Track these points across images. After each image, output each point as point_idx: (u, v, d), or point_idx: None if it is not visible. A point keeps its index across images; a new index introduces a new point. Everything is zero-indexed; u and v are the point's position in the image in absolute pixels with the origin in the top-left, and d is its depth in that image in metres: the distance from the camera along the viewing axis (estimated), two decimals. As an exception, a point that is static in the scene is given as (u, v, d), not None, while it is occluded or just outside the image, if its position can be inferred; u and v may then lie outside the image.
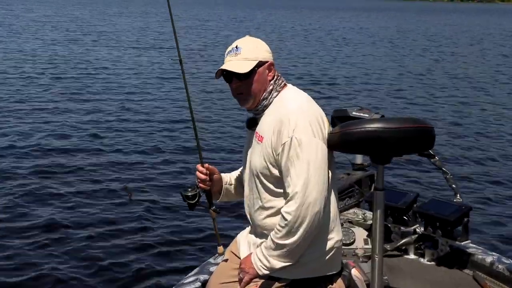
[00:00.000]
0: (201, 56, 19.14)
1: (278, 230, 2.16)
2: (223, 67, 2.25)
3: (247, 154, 2.38)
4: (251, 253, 2.30)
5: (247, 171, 2.36)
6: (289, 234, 2.13)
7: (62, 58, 16.89)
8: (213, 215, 2.52)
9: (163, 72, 15.14)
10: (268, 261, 2.20)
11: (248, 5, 79.78)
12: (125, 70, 15.38)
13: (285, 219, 2.13)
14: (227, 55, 2.30)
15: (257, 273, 2.23)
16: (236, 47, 2.27)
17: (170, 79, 14.02)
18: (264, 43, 2.33)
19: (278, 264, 2.19)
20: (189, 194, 2.43)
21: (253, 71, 2.24)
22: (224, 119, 10.26)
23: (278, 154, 2.16)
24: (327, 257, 2.26)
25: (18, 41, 20.89)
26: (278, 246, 2.16)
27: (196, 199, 2.44)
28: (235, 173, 2.60)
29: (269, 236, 2.21)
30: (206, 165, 2.47)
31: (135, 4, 59.42)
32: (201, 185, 2.47)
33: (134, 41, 22.64)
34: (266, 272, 2.22)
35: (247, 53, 2.25)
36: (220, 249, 2.53)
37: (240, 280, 2.28)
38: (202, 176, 2.46)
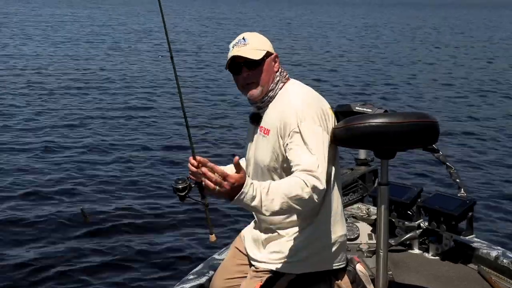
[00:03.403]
0: (192, 50, 19.17)
1: (306, 184, 1.97)
2: (236, 53, 2.23)
3: (250, 149, 2.37)
4: (247, 177, 1.99)
5: (251, 166, 2.36)
6: (308, 195, 1.97)
7: (48, 57, 16.62)
8: (204, 207, 2.51)
9: (154, 68, 14.96)
10: (260, 200, 1.95)
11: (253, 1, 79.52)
12: (113, 66, 15.18)
13: (306, 182, 1.98)
14: (233, 46, 2.27)
15: (233, 196, 1.94)
16: (243, 38, 2.28)
17: (162, 75, 13.87)
18: (266, 38, 2.34)
19: (269, 205, 1.96)
20: (180, 186, 2.43)
21: (263, 60, 2.25)
22: (216, 113, 10.31)
23: (286, 144, 2.16)
24: (331, 251, 2.26)
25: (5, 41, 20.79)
26: (290, 194, 1.96)
27: (186, 191, 2.44)
28: (229, 167, 2.58)
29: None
30: (198, 157, 2.46)
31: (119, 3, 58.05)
32: (192, 177, 2.48)
33: (124, 38, 22.33)
34: (241, 199, 1.94)
35: (255, 43, 2.26)
36: (212, 237, 2.51)
37: (214, 181, 1.95)
38: (193, 169, 2.44)
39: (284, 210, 1.99)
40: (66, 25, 27.89)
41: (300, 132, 2.11)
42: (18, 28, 25.29)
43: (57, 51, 18.10)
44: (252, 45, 2.25)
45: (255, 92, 2.26)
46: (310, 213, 2.18)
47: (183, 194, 2.42)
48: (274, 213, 2.00)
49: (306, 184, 1.98)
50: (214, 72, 14.93)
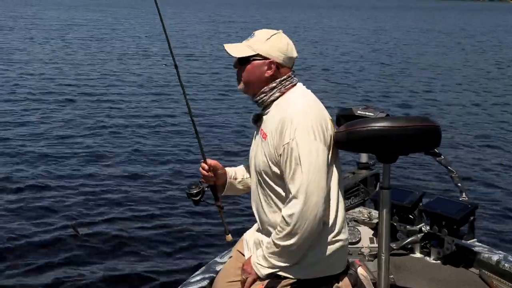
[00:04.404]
0: (199, 54, 19.17)
1: (278, 231, 2.17)
2: (225, 44, 2.32)
3: (252, 150, 2.39)
4: (249, 259, 2.31)
5: (252, 167, 2.37)
6: (288, 236, 2.14)
7: (53, 62, 16.35)
8: (219, 209, 2.54)
9: (159, 75, 14.66)
10: (268, 261, 2.21)
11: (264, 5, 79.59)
12: (119, 72, 14.90)
13: (286, 222, 2.13)
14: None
15: (257, 273, 2.24)
16: (253, 34, 2.32)
17: (167, 83, 13.60)
18: (283, 43, 2.26)
19: (278, 263, 2.20)
20: (194, 191, 2.47)
21: (247, 60, 2.25)
22: (224, 115, 10.30)
23: (280, 155, 2.17)
24: (334, 257, 2.26)
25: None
26: (278, 247, 2.17)
27: (200, 196, 2.47)
28: (240, 168, 2.60)
29: (270, 238, 2.22)
30: (209, 161, 2.48)
31: (122, 6, 56.92)
32: (204, 181, 2.50)
33: (132, 42, 21.99)
34: (266, 272, 2.22)
35: (254, 42, 2.27)
36: (228, 237, 2.55)
37: (243, 282, 2.29)
38: (205, 173, 2.47)
39: (299, 247, 2.17)
40: (72, 29, 27.84)
41: (292, 147, 2.12)
42: (24, 32, 25.26)
43: (62, 55, 18.00)
44: (250, 42, 2.27)
45: (239, 86, 2.32)
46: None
47: (197, 198, 2.46)
48: (296, 250, 2.19)
49: (279, 230, 2.16)
50: (222, 74, 14.91)
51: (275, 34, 2.29)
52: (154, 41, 23.07)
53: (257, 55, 2.24)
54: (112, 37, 24.81)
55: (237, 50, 2.27)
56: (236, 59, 2.29)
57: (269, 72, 2.26)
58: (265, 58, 2.25)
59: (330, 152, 2.21)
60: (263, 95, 2.27)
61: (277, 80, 2.27)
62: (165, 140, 8.60)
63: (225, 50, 2.31)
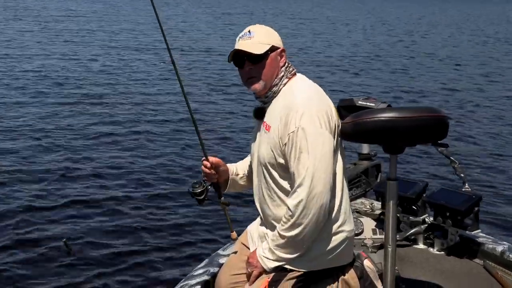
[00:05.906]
0: (197, 48, 19.11)
1: (284, 222, 2.14)
2: (238, 47, 2.22)
3: (254, 144, 2.36)
4: (254, 251, 2.29)
5: (255, 161, 2.35)
6: (294, 226, 2.11)
7: (51, 59, 15.87)
8: (223, 206, 2.52)
9: (158, 72, 14.40)
10: (274, 253, 2.18)
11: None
12: (115, 71, 14.45)
13: (291, 211, 2.11)
14: (239, 39, 2.26)
15: (263, 267, 2.21)
16: (249, 31, 2.25)
17: (166, 79, 13.45)
18: (275, 31, 2.31)
19: (284, 255, 2.17)
20: (197, 190, 2.44)
21: (266, 54, 2.22)
22: (225, 112, 10.26)
23: (285, 144, 2.14)
24: (339, 249, 2.24)
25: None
26: (283, 238, 2.14)
27: (204, 195, 2.44)
28: (241, 164, 2.59)
29: (275, 230, 2.20)
30: (211, 158, 2.46)
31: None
32: (206, 179, 2.48)
33: (125, 42, 21.26)
34: (272, 265, 2.20)
35: (260, 37, 2.23)
36: (233, 235, 2.53)
37: (248, 275, 2.27)
38: (207, 171, 2.45)
39: (304, 237, 2.14)
40: (68, 21, 27.68)
41: (297, 135, 2.10)
42: (17, 23, 25.11)
43: (56, 50, 17.83)
44: (257, 38, 2.22)
45: (258, 86, 2.23)
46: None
47: (201, 197, 2.44)
48: (301, 241, 2.15)
49: (284, 221, 2.13)
50: (221, 69, 14.86)
51: (264, 25, 2.30)
52: (153, 36, 22.94)
53: (272, 47, 2.22)
54: (109, 31, 24.61)
55: (256, 48, 2.20)
56: (244, 59, 2.21)
57: (283, 61, 2.26)
58: (277, 48, 2.24)
59: (335, 140, 2.19)
60: (274, 87, 2.25)
61: (283, 69, 2.26)
62: (166, 139, 8.51)
63: (229, 55, 2.24)
